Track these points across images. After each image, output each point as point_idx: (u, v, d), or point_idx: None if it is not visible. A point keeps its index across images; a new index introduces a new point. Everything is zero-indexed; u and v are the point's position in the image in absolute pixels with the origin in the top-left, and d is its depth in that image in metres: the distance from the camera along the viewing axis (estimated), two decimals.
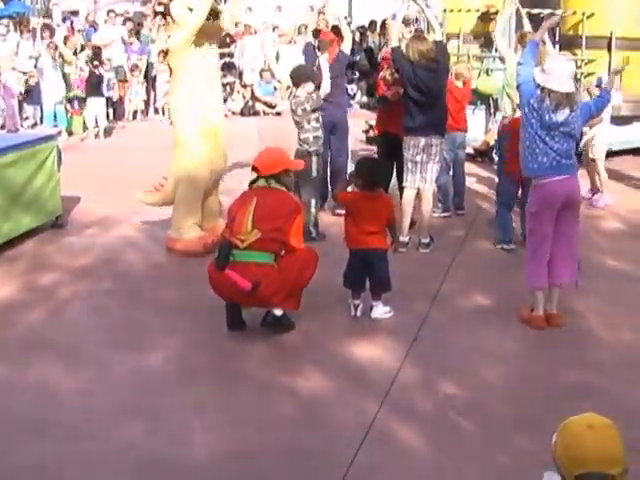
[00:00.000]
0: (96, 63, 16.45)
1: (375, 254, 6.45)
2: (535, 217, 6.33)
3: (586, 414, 2.74)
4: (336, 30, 9.61)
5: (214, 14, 8.12)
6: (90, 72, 16.43)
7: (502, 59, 11.59)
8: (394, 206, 6.82)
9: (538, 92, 6.12)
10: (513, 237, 8.45)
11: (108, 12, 21.38)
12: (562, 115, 6.10)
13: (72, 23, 23.99)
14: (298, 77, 8.76)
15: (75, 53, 17.63)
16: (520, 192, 8.48)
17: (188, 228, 8.18)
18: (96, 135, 16.08)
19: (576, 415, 2.75)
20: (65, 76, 16.94)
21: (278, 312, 6.12)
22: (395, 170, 9.12)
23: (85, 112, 16.46)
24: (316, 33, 15.81)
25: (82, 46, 18.07)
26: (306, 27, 22.60)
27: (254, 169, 6.32)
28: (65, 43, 18.08)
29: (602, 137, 10.29)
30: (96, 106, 16.11)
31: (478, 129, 12.39)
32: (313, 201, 8.58)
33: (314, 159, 8.55)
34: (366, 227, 6.44)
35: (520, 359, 5.93)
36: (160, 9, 28.11)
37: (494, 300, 6.98)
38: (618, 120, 12.39)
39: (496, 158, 10.36)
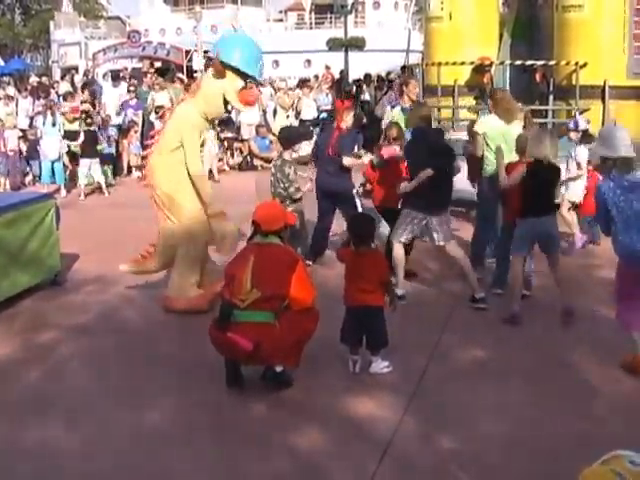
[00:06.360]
0: (89, 121, 16.48)
1: (371, 311, 6.43)
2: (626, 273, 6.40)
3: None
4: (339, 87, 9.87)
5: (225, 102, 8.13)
6: (84, 132, 16.44)
7: None
8: (386, 263, 6.86)
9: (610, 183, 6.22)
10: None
11: (113, 77, 21.58)
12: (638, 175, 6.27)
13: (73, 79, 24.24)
14: (288, 139, 9.09)
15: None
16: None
17: (190, 287, 8.17)
18: (88, 193, 16.09)
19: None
20: (67, 133, 16.99)
21: (278, 368, 6.12)
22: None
23: (79, 170, 16.45)
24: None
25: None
26: (304, 82, 22.85)
27: (254, 224, 6.39)
28: (66, 99, 18.14)
29: (580, 183, 10.41)
30: (89, 166, 16.14)
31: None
32: (299, 249, 8.79)
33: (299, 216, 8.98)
34: (361, 285, 6.45)
35: (519, 412, 5.88)
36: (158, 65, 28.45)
37: (493, 353, 6.96)
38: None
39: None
